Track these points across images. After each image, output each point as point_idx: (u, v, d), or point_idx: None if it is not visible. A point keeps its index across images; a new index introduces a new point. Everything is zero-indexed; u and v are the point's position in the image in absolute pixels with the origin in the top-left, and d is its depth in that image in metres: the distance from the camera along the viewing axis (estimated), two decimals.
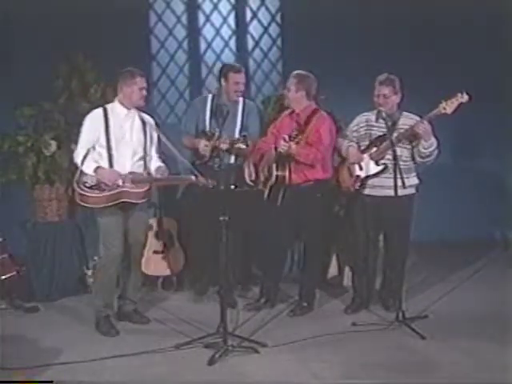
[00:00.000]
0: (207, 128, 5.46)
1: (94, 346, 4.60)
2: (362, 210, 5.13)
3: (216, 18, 7.51)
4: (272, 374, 4.18)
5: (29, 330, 4.90)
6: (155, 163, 4.91)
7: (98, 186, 4.70)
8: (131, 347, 4.54)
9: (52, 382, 3.99)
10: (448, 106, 4.71)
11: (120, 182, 4.71)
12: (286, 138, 4.92)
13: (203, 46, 7.53)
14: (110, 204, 4.72)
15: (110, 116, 4.80)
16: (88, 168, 4.73)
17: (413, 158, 5.04)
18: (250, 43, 7.56)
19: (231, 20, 7.53)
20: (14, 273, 5.43)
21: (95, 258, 5.65)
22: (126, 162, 4.80)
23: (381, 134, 5.00)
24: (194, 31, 7.51)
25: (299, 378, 4.13)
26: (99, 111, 4.83)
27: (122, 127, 4.81)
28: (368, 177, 5.07)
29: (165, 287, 5.93)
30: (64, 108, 5.87)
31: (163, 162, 4.95)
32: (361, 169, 5.10)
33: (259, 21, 7.55)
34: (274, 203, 5.11)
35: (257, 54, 7.58)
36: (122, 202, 4.74)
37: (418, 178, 5.14)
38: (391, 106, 5.02)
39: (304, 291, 5.29)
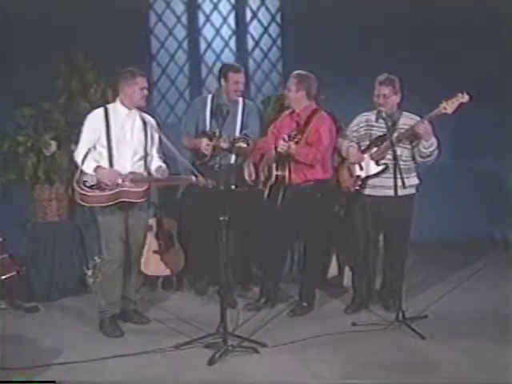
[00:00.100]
0: (207, 128, 5.47)
1: (94, 346, 4.60)
2: (362, 210, 5.13)
3: (216, 18, 7.51)
4: (272, 373, 4.18)
5: (29, 330, 4.90)
6: (156, 163, 4.91)
7: (98, 186, 4.70)
8: (131, 347, 4.54)
9: (54, 382, 3.99)
10: (448, 106, 4.71)
11: (120, 182, 4.71)
12: (286, 137, 4.93)
13: (203, 46, 7.53)
14: (109, 203, 4.72)
15: (110, 116, 4.80)
16: (88, 167, 4.73)
17: (413, 158, 5.04)
18: (250, 43, 7.56)
19: (231, 20, 7.53)
20: (14, 273, 5.43)
21: (95, 257, 5.66)
22: (127, 162, 4.80)
23: (381, 134, 5.00)
24: (193, 31, 7.51)
25: (299, 378, 4.13)
26: (100, 111, 4.83)
27: (122, 127, 4.82)
28: (368, 177, 5.07)
29: (165, 287, 5.93)
30: (64, 108, 5.87)
31: (164, 162, 4.95)
32: (361, 169, 5.10)
33: (259, 21, 7.55)
34: (274, 203, 5.11)
35: (257, 53, 7.58)
36: (122, 201, 4.74)
37: (418, 177, 5.14)
38: (391, 105, 5.02)
39: (304, 291, 5.29)
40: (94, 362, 4.32)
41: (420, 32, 7.06)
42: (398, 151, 4.87)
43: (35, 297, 5.60)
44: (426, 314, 5.08)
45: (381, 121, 4.92)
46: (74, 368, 4.25)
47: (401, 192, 4.83)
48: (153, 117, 5.05)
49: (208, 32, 7.52)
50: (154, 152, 4.95)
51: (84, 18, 6.71)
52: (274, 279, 5.37)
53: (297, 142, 4.94)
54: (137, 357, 4.40)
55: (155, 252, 5.82)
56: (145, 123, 4.89)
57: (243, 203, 5.28)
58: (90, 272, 5.78)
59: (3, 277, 5.37)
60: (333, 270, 5.97)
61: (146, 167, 4.89)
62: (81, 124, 4.88)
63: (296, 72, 5.15)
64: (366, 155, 5.08)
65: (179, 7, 7.49)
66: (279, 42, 7.56)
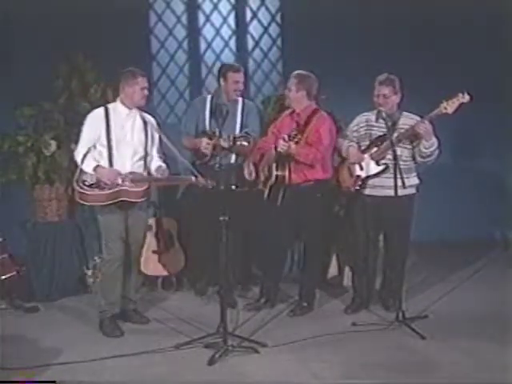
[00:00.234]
0: (207, 128, 5.46)
1: (94, 346, 4.60)
2: (362, 210, 5.13)
3: (216, 18, 7.51)
4: (272, 373, 4.18)
5: (29, 330, 4.90)
6: (155, 163, 4.91)
7: (97, 185, 4.70)
8: (131, 347, 4.54)
9: (55, 382, 3.99)
10: (449, 106, 4.71)
11: (119, 181, 4.71)
12: (286, 137, 4.93)
13: (203, 45, 7.53)
14: (109, 202, 4.72)
15: (111, 116, 4.80)
16: (88, 167, 4.73)
17: (413, 158, 5.04)
18: (250, 43, 7.56)
19: (231, 20, 7.53)
20: (14, 273, 5.43)
21: (95, 257, 5.66)
22: (127, 162, 4.80)
23: (381, 134, 5.00)
24: (193, 31, 7.51)
25: (299, 378, 4.13)
26: (100, 110, 4.84)
27: (123, 127, 4.82)
28: (368, 177, 5.07)
29: (165, 287, 5.93)
30: (64, 108, 5.88)
31: (163, 162, 4.95)
32: (361, 169, 5.10)
33: (259, 21, 7.55)
34: (274, 203, 5.11)
35: (257, 53, 7.58)
36: (121, 200, 4.74)
37: (419, 177, 5.14)
38: (391, 105, 5.02)
39: (304, 291, 5.29)
40: (94, 361, 4.32)
41: (420, 32, 7.06)
42: (398, 151, 4.87)
43: (35, 297, 5.60)
44: (426, 313, 5.08)
45: (381, 121, 4.92)
46: (73, 368, 4.24)
47: (401, 192, 4.83)
48: (153, 117, 5.05)
49: (208, 32, 7.52)
50: (154, 152, 4.95)
51: (84, 17, 6.71)
52: (273, 279, 5.37)
53: (297, 142, 4.94)
54: (137, 357, 4.40)
55: (155, 252, 5.83)
56: (145, 123, 4.89)
57: (243, 203, 5.28)
58: (90, 272, 5.78)
59: (3, 277, 5.38)
60: (333, 270, 5.97)
61: (146, 167, 4.89)
62: (81, 124, 4.88)
63: (296, 72, 5.16)
64: (366, 155, 5.08)
65: (179, 7, 7.50)
66: (279, 42, 7.56)
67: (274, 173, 5.07)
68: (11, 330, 4.83)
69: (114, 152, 4.77)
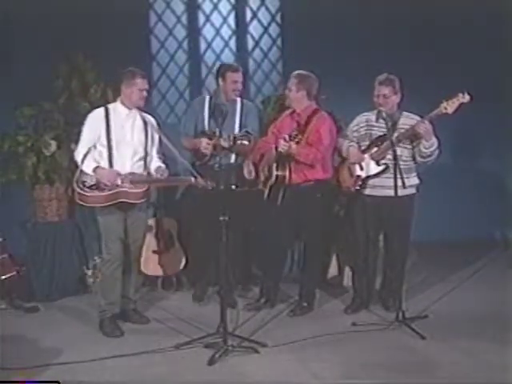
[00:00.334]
0: (206, 128, 5.46)
1: (94, 346, 4.60)
2: (362, 210, 5.13)
3: (216, 18, 7.51)
4: (272, 373, 4.18)
5: (29, 330, 4.90)
6: (155, 163, 4.91)
7: (97, 186, 4.70)
8: (131, 347, 4.54)
9: (58, 382, 3.98)
10: (449, 106, 4.70)
11: (119, 182, 4.71)
12: (287, 137, 4.93)
13: (203, 46, 7.54)
14: (108, 204, 4.72)
15: (111, 116, 4.80)
16: (88, 167, 4.73)
17: (413, 158, 5.04)
18: (250, 43, 7.56)
19: (231, 20, 7.54)
20: (14, 273, 5.43)
21: (95, 257, 5.66)
22: (126, 162, 4.80)
23: (381, 134, 5.00)
24: (193, 31, 7.52)
25: (299, 378, 4.12)
26: (101, 110, 4.84)
27: (123, 127, 4.81)
28: (369, 177, 5.07)
29: (165, 287, 5.93)
30: (64, 108, 5.88)
31: (163, 162, 4.95)
32: (361, 169, 5.10)
33: (259, 21, 7.56)
34: (274, 203, 5.11)
35: (257, 53, 7.58)
36: (121, 201, 4.74)
37: (419, 177, 5.14)
38: (391, 106, 5.02)
39: (304, 291, 5.29)
40: (94, 361, 4.32)
41: (420, 32, 7.06)
42: (398, 151, 4.87)
43: (35, 297, 5.60)
44: (426, 313, 5.07)
45: (381, 121, 4.92)
46: (73, 368, 4.24)
47: (401, 192, 4.83)
48: (153, 117, 5.05)
49: (208, 32, 7.52)
50: (153, 152, 4.94)
51: (84, 17, 6.71)
52: (274, 279, 5.37)
53: (298, 142, 4.94)
54: (137, 357, 4.40)
55: (155, 252, 5.83)
56: (145, 123, 4.89)
57: (243, 203, 5.27)
58: (90, 272, 5.78)
59: (3, 277, 5.37)
60: (333, 270, 5.97)
61: (146, 167, 4.89)
62: (81, 124, 4.88)
63: (297, 72, 5.16)
64: (366, 155, 5.08)
65: (179, 7, 7.50)
66: (279, 42, 7.56)
67: (275, 173, 5.07)
68: (11, 330, 4.83)
69: (114, 152, 4.76)
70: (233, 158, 5.47)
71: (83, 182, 4.72)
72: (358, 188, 5.11)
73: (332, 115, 5.30)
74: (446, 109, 4.71)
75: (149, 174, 4.88)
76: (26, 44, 6.71)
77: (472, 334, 4.66)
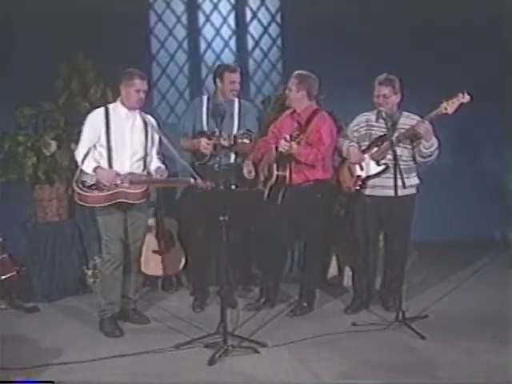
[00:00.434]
0: (205, 128, 5.45)
1: (94, 346, 4.60)
2: (362, 210, 5.13)
3: (216, 18, 7.51)
4: (272, 374, 4.18)
5: (29, 330, 4.90)
6: (155, 164, 4.92)
7: (96, 186, 4.71)
8: (131, 347, 4.54)
9: (53, 382, 3.99)
10: (449, 106, 4.70)
11: (118, 182, 4.71)
12: (287, 137, 4.93)
13: (203, 45, 7.54)
14: (107, 204, 4.73)
15: (111, 116, 4.80)
16: (88, 167, 4.74)
17: (413, 158, 5.04)
18: (250, 43, 7.56)
19: (231, 20, 7.53)
20: (14, 273, 5.43)
21: (95, 257, 5.66)
22: (126, 162, 4.80)
23: (381, 134, 5.00)
24: (193, 31, 7.51)
25: (299, 378, 4.12)
26: (101, 110, 4.84)
27: (122, 127, 4.81)
28: (369, 177, 5.07)
29: (165, 287, 5.93)
30: (64, 108, 5.87)
31: (162, 162, 4.95)
32: (361, 169, 5.10)
33: (259, 21, 7.55)
34: (274, 203, 5.11)
35: (257, 53, 7.58)
36: (120, 201, 4.74)
37: (419, 177, 5.14)
38: (391, 106, 5.02)
39: (304, 291, 5.29)
40: (94, 362, 4.32)
41: (420, 32, 7.06)
42: (398, 151, 4.87)
43: (35, 297, 5.60)
44: (426, 313, 5.07)
45: (381, 121, 4.92)
46: (73, 368, 4.24)
47: (401, 192, 4.83)
48: (153, 117, 5.05)
49: (208, 32, 7.52)
50: (153, 152, 4.95)
51: (84, 17, 6.71)
52: (274, 279, 5.37)
53: (298, 142, 4.94)
54: (137, 357, 4.40)
55: (155, 252, 5.83)
56: (145, 123, 4.89)
57: (243, 203, 5.26)
58: (90, 272, 5.78)
59: (3, 277, 5.37)
60: (333, 270, 5.97)
61: (146, 167, 4.89)
62: (81, 124, 4.88)
63: (297, 72, 5.15)
64: (366, 155, 5.08)
65: (179, 7, 7.50)
66: (279, 42, 7.56)
67: (275, 173, 5.07)
68: (11, 330, 4.84)
69: (114, 152, 4.76)
70: (232, 157, 5.46)
71: (83, 182, 4.72)
72: (358, 188, 5.11)
73: (332, 115, 5.30)
74: (446, 109, 4.71)
75: (148, 174, 4.88)
76: (26, 44, 6.71)
77: (472, 333, 4.66)
